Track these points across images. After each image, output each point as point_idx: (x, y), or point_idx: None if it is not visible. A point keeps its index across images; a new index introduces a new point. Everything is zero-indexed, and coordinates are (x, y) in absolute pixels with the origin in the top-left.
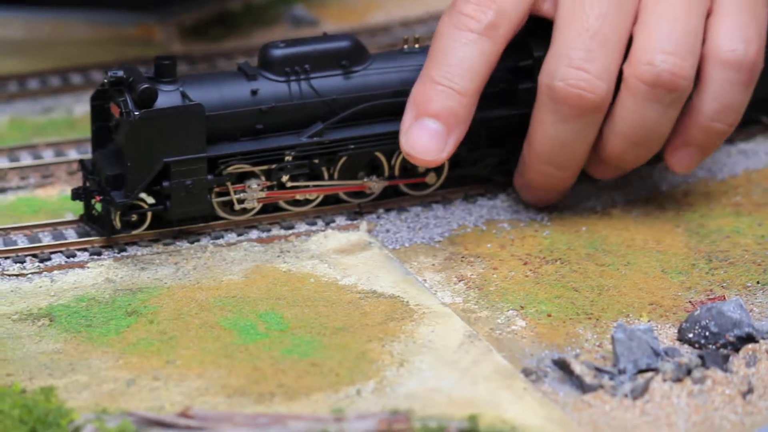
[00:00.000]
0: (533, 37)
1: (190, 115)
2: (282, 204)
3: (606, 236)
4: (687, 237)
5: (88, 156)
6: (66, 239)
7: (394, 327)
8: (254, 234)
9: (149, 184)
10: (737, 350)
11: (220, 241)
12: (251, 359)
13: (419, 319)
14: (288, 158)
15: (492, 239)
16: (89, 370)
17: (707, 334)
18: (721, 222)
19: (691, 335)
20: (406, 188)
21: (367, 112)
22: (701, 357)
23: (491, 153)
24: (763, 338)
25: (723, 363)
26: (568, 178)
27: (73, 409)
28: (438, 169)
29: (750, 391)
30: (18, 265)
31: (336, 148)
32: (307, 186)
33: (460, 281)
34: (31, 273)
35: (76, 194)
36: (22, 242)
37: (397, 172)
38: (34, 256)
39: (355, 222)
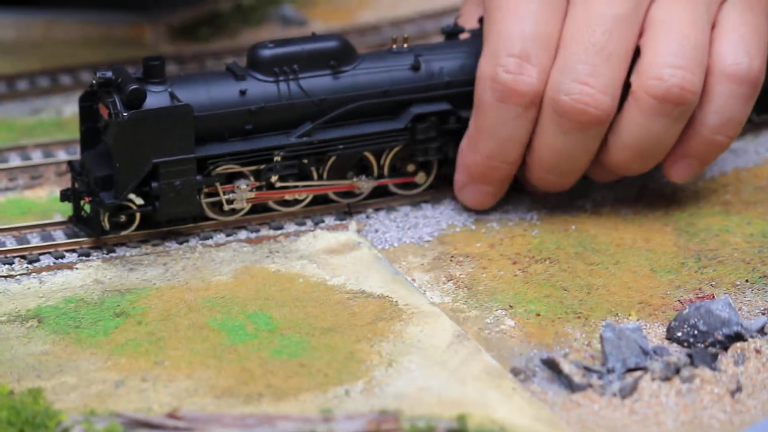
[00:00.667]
0: None
1: (178, 115)
2: (271, 204)
3: (595, 235)
4: (676, 236)
5: (77, 157)
6: (54, 240)
7: (383, 327)
8: (243, 234)
9: (138, 184)
10: (726, 349)
11: (209, 242)
12: (240, 360)
13: (408, 319)
14: (277, 158)
15: (481, 238)
16: (77, 372)
17: (696, 332)
18: (710, 220)
19: (680, 334)
20: (395, 188)
21: (356, 112)
22: (690, 356)
23: None
24: (751, 337)
25: (711, 362)
26: (567, 183)
27: (61, 410)
28: (428, 169)
29: (738, 389)
30: (6, 266)
31: (325, 148)
32: (296, 186)
33: (449, 281)
34: (20, 274)
35: (64, 195)
36: (10, 243)
37: (386, 171)
38: (23, 257)
39: (344, 222)
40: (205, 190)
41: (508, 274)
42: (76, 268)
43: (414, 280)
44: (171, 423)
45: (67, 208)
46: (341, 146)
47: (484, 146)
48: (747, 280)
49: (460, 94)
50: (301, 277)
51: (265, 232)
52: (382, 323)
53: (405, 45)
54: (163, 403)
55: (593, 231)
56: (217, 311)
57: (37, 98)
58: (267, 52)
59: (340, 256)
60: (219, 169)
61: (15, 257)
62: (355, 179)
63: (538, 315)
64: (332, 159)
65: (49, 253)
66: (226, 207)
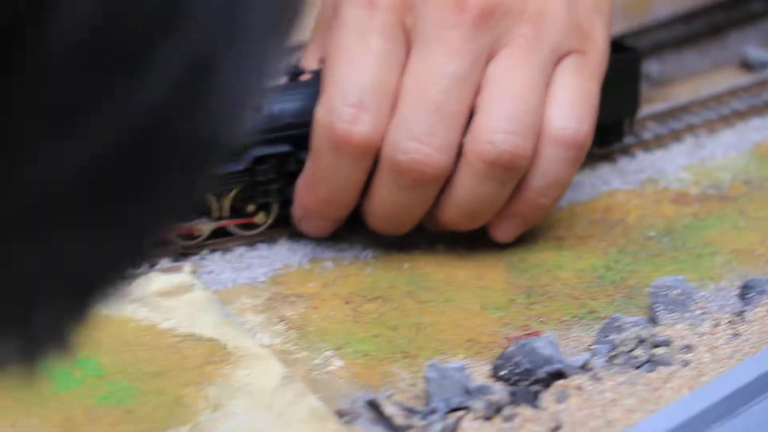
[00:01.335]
0: None
1: None
2: None
3: (428, 273)
4: (508, 272)
5: None
6: None
7: (212, 370)
8: None
9: None
10: (548, 386)
11: None
12: (64, 408)
13: (236, 361)
14: None
15: (315, 278)
16: None
17: (520, 370)
18: (543, 255)
19: (504, 372)
20: (235, 229)
21: None
22: (512, 394)
23: None
24: (574, 374)
25: (533, 400)
26: (402, 231)
27: None
28: (267, 209)
29: (558, 427)
30: None
31: None
32: None
33: (280, 322)
34: None
35: None
36: None
37: (226, 213)
38: None
39: (178, 263)
40: None
41: (340, 314)
42: None
43: (246, 321)
44: None
45: None
46: None
47: (319, 190)
48: (574, 316)
49: (301, 135)
50: (133, 321)
51: None
52: (211, 366)
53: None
54: None
55: (427, 268)
56: None
57: None
58: None
59: (172, 298)
60: None
61: None
62: (194, 221)
63: (367, 355)
64: None
65: None
66: None
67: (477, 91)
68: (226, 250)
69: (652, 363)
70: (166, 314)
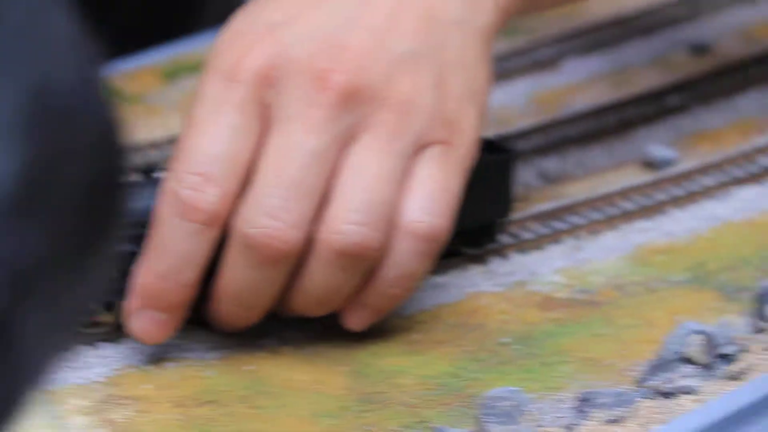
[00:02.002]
0: None
1: None
2: None
3: (269, 376)
4: (349, 377)
5: None
6: None
7: None
8: None
9: None
10: None
11: None
12: None
13: None
14: None
15: (153, 380)
16: None
17: None
18: (391, 361)
19: None
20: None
21: None
22: None
23: None
24: None
25: None
26: (253, 317)
27: None
28: (112, 309)
29: None
30: None
31: None
32: None
33: (105, 426)
34: None
35: None
36: None
37: None
38: None
39: None
40: None
41: (169, 418)
42: None
43: (70, 425)
44: None
45: None
46: None
47: (157, 264)
48: (405, 426)
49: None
50: None
51: None
52: None
53: None
54: None
55: (269, 372)
56: None
57: None
58: None
59: None
60: None
61: None
62: None
63: None
64: None
65: None
66: None
67: (334, 173)
68: None
69: None
70: None
